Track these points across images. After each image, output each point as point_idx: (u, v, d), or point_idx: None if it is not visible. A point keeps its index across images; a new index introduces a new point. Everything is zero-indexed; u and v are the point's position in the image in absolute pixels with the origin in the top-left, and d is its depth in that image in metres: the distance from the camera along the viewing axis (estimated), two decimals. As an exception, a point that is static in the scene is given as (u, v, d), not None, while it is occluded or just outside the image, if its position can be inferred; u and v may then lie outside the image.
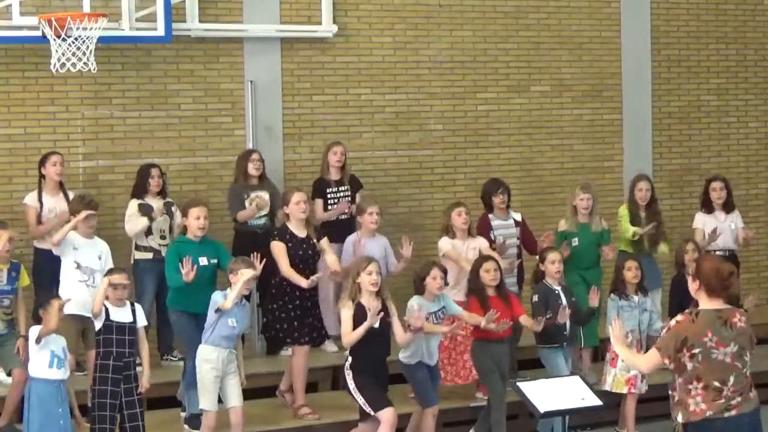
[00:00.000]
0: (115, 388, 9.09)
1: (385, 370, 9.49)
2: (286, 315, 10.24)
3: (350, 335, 9.24)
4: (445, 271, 9.84)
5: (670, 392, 7.01)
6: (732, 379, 6.82)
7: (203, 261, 10.00)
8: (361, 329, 9.15)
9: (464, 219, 10.89)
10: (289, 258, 10.20)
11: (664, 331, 6.94)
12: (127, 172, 11.78)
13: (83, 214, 10.08)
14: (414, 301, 9.73)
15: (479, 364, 10.22)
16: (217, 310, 9.33)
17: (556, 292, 10.42)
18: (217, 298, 9.38)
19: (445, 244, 10.95)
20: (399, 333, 9.49)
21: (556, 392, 8.74)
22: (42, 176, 11.08)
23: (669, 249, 11.96)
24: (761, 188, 14.82)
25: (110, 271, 9.46)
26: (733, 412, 6.82)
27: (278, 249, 10.22)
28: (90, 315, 9.34)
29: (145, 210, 11.23)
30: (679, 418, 6.88)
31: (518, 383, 8.93)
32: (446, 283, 9.89)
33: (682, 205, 13.21)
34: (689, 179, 14.13)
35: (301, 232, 10.33)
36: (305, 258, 10.30)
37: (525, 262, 11.57)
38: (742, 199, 14.42)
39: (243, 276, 9.30)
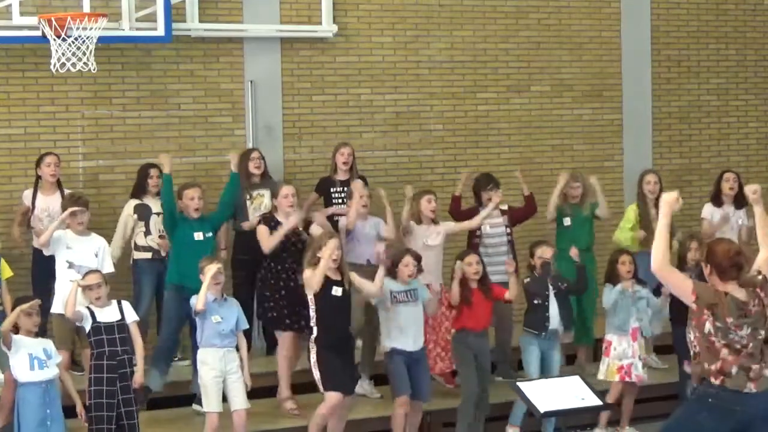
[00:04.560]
0: (110, 388, 9.08)
1: (351, 344, 9.67)
2: (275, 303, 10.36)
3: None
4: (418, 259, 10.00)
5: (688, 336, 7.08)
6: (751, 344, 6.95)
7: (199, 236, 10.33)
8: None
9: (433, 206, 11.08)
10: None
11: (702, 284, 7.06)
12: (127, 172, 11.78)
13: (67, 211, 10.09)
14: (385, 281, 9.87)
15: (457, 354, 10.36)
16: (196, 314, 9.39)
17: (545, 283, 10.50)
18: (193, 301, 9.42)
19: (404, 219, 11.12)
20: (367, 286, 9.65)
21: (556, 392, 8.74)
22: (39, 177, 11.07)
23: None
24: (761, 188, 14.77)
25: (85, 274, 9.46)
26: (753, 387, 6.93)
27: (262, 232, 10.43)
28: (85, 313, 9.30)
29: (142, 211, 11.23)
30: (706, 365, 6.98)
31: (518, 383, 8.93)
32: (420, 270, 10.02)
33: (681, 205, 13.15)
34: (689, 179, 14.13)
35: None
36: (289, 248, 10.43)
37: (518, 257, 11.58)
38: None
39: (208, 272, 9.35)
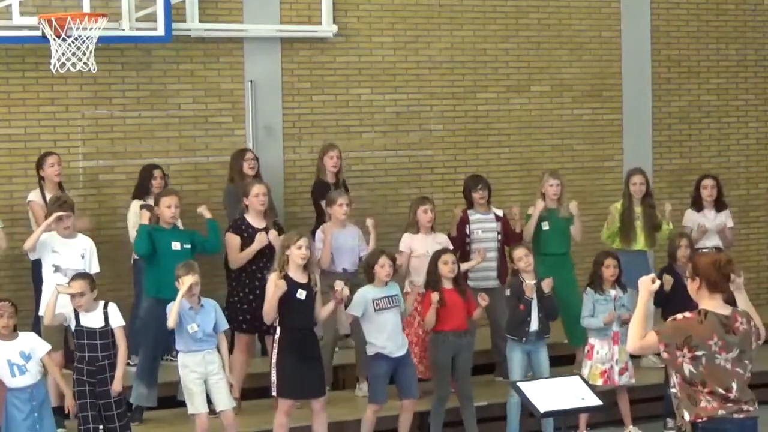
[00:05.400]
0: (92, 389, 9.10)
1: (313, 344, 9.62)
2: (248, 306, 10.38)
3: (267, 304, 9.47)
4: (393, 259, 9.98)
5: (671, 390, 6.91)
6: (735, 385, 6.70)
7: (176, 246, 10.17)
8: (272, 300, 9.36)
9: (429, 216, 10.97)
10: (246, 248, 10.42)
11: (669, 320, 6.81)
12: (127, 172, 11.79)
13: (52, 217, 9.97)
14: (362, 291, 9.87)
15: (434, 357, 10.31)
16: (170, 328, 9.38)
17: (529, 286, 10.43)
18: (168, 309, 9.36)
19: (403, 240, 11.02)
20: (318, 307, 9.63)
21: (556, 392, 8.74)
22: (41, 178, 11.04)
23: (669, 229, 12.02)
24: (761, 188, 14.82)
25: (72, 278, 9.36)
26: (742, 416, 6.69)
27: (231, 242, 10.45)
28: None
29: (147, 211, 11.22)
30: (686, 416, 6.74)
31: (518, 383, 8.94)
32: (395, 271, 10.02)
33: (681, 205, 13.19)
34: (689, 179, 14.09)
35: (259, 223, 10.50)
36: (262, 248, 10.45)
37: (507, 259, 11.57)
38: (742, 199, 14.44)
39: (183, 285, 9.30)
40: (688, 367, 6.67)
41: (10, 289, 11.14)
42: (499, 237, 11.44)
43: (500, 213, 11.57)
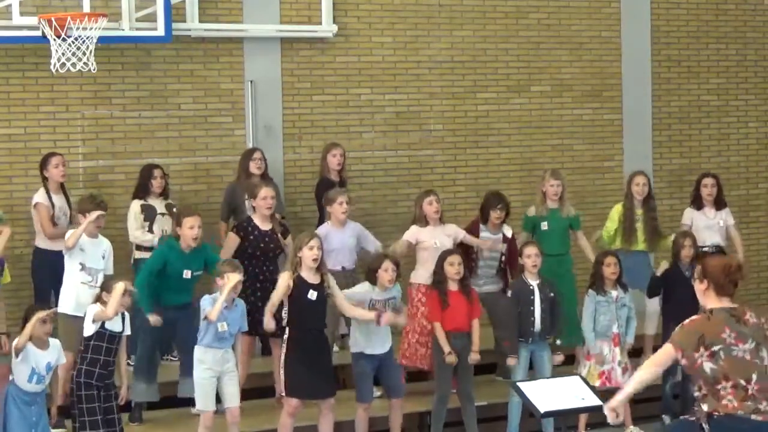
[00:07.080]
0: (98, 392, 9.10)
1: (322, 345, 9.65)
2: (250, 307, 10.29)
3: (270, 306, 9.54)
4: (397, 264, 9.99)
5: (693, 387, 6.85)
6: (755, 376, 6.68)
7: (187, 274, 10.08)
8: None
9: (435, 207, 11.00)
10: (251, 249, 10.46)
11: (678, 328, 6.80)
12: (127, 172, 11.79)
13: (94, 214, 9.99)
14: (366, 285, 9.93)
15: (437, 357, 10.31)
16: (205, 318, 9.33)
17: (531, 287, 10.43)
18: (205, 304, 9.33)
19: (410, 231, 11.03)
20: (342, 305, 9.68)
21: (556, 392, 8.74)
22: (45, 178, 11.02)
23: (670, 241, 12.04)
24: (761, 188, 14.82)
25: (115, 279, 9.37)
26: (760, 418, 6.66)
27: (229, 241, 10.52)
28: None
29: (148, 211, 11.23)
30: (705, 407, 6.72)
31: (518, 383, 8.94)
32: (398, 275, 10.03)
33: (682, 205, 13.19)
34: (689, 179, 14.08)
35: (265, 225, 10.56)
36: (266, 251, 10.52)
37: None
38: (742, 199, 14.44)
39: (230, 282, 9.29)
40: (708, 365, 6.67)
41: (9, 288, 11.11)
42: (503, 258, 11.39)
43: (509, 234, 11.45)
